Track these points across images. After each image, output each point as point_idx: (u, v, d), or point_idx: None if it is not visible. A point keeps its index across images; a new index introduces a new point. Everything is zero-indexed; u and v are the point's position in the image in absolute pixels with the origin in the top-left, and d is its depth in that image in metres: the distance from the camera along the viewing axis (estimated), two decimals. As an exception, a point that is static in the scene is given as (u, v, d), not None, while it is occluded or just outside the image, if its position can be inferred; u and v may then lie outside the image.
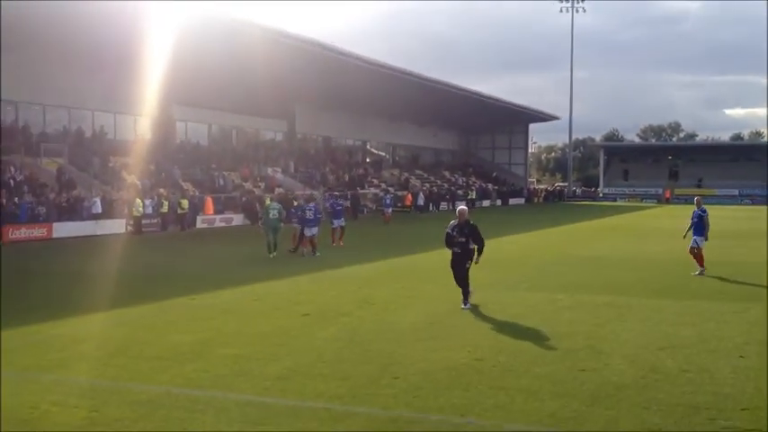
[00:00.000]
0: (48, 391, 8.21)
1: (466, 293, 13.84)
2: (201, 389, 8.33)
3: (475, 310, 13.63)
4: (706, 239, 19.06)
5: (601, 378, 8.81)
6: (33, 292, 16.25)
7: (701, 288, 16.48)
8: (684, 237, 19.60)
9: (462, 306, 13.66)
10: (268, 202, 31.75)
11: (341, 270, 19.85)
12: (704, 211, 19.27)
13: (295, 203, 28.16)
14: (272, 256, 22.94)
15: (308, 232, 23.32)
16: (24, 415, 7.32)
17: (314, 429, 6.96)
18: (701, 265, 18.78)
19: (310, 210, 23.54)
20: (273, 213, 23.70)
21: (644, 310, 13.54)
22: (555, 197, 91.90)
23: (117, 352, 10.10)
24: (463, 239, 13.89)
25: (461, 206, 14.86)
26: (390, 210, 44.89)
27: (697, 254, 18.94)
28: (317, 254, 23.12)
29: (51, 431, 6.91)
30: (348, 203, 46.02)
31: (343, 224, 27.10)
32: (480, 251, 13.97)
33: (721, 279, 17.90)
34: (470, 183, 78.78)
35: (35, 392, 8.11)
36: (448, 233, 14.16)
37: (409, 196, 58.97)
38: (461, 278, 13.92)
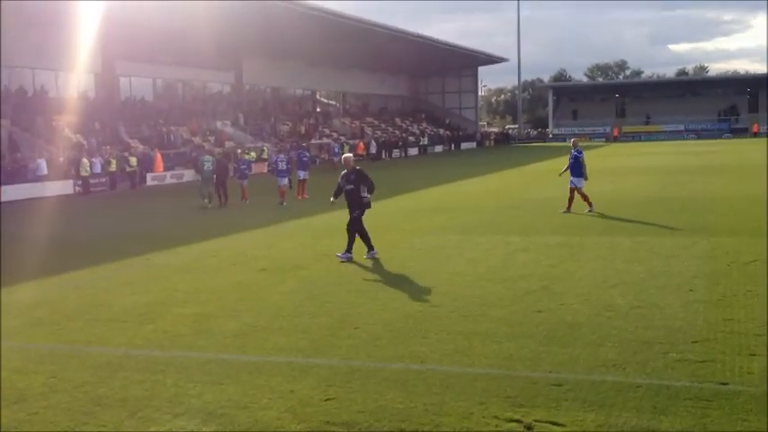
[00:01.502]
0: (5, 358, 8.10)
1: (367, 241, 13.67)
2: (161, 349, 8.31)
3: (430, 255, 13.78)
4: (585, 179, 19.61)
5: (556, 318, 9.01)
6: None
7: (652, 224, 16.83)
8: (560, 175, 20.79)
9: (366, 255, 13.54)
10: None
11: (296, 222, 19.83)
12: (580, 152, 19.71)
13: (246, 156, 29.37)
14: (209, 205, 24.97)
15: (279, 182, 25.01)
16: (-18, 384, 7.22)
17: (276, 384, 7.00)
18: (589, 203, 19.32)
19: (282, 161, 25.75)
20: (208, 166, 25.83)
21: (597, 249, 13.82)
22: (503, 140, 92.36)
23: (73, 316, 9.99)
24: (351, 187, 13.75)
25: (347, 154, 14.90)
26: (338, 158, 46.14)
27: (580, 194, 19.50)
28: (285, 203, 24.27)
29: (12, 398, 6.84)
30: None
31: (307, 176, 27.26)
32: (370, 191, 13.84)
33: (671, 213, 18.32)
34: (422, 128, 78.73)
35: (-9, 361, 8.01)
36: (338, 183, 14.05)
37: (361, 144, 58.79)
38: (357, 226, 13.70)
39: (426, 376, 7.09)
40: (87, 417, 6.32)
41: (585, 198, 19.43)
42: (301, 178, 26.81)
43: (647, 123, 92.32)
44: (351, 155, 14.75)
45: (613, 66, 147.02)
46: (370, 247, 13.68)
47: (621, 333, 8.25)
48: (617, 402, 6.28)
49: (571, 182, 19.53)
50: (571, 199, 19.50)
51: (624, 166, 39.77)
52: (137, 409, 6.46)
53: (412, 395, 6.60)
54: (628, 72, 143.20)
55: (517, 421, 5.98)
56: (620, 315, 9.02)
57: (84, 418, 6.30)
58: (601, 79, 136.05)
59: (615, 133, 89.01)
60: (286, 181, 25.14)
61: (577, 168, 19.47)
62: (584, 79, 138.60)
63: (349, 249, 13.60)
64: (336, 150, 49.76)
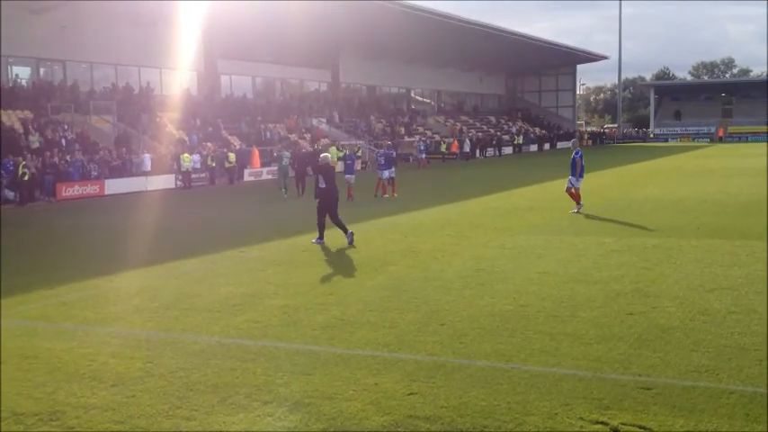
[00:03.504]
0: (105, 343, 8.50)
1: (343, 229, 15.37)
2: (252, 339, 8.54)
3: (520, 254, 13.65)
4: (580, 178, 20.27)
5: (648, 321, 8.78)
6: (89, 248, 16.70)
7: (755, 227, 16.17)
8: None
9: (348, 242, 15.16)
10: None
11: (386, 219, 19.95)
12: (577, 153, 20.39)
13: (347, 152, 31.20)
14: (285, 195, 27.81)
15: (381, 175, 26.44)
16: (82, 368, 7.59)
17: (362, 376, 7.09)
18: (578, 203, 19.95)
19: (381, 156, 27.32)
20: (285, 161, 29.34)
21: (694, 252, 13.38)
22: (600, 140, 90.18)
23: (170, 304, 10.37)
24: (323, 185, 15.64)
25: (324, 153, 17.09)
26: (424, 155, 47.97)
27: (573, 193, 20.01)
28: (387, 195, 25.49)
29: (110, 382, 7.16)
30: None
31: (394, 174, 27.45)
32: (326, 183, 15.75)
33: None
34: (518, 127, 77.83)
35: (93, 345, 8.41)
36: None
37: (455, 143, 58.64)
38: (335, 221, 15.49)
39: (511, 375, 7.04)
40: (180, 401, 6.56)
41: (577, 197, 20.07)
42: (386, 177, 26.85)
43: (754, 124, 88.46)
44: (326, 155, 17.15)
45: (719, 64, 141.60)
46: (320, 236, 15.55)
47: (716, 338, 7.98)
48: (708, 408, 6.09)
49: (569, 181, 20.24)
50: (576, 196, 20.12)
51: (728, 167, 38.29)
52: (227, 396, 6.67)
53: (496, 393, 6.57)
54: (735, 71, 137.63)
55: (603, 423, 5.87)
56: (715, 320, 8.72)
57: (177, 402, 6.54)
58: (706, 77, 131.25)
59: (720, 133, 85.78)
60: (386, 174, 26.08)
61: (574, 168, 20.16)
62: (688, 77, 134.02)
63: (347, 233, 15.39)
64: (422, 149, 50.58)
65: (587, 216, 19.17)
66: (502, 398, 6.45)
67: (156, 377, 7.22)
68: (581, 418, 5.98)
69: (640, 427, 5.81)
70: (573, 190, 20.14)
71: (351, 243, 15.10)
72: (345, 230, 15.37)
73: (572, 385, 6.73)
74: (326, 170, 15.75)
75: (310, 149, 38.02)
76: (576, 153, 20.38)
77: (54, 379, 7.25)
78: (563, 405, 6.25)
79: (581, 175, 20.22)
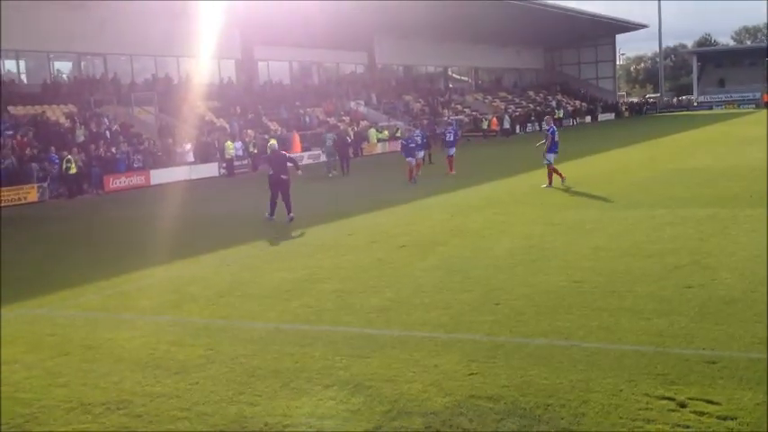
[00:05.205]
0: (164, 331, 8.63)
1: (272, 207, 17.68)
2: (309, 324, 8.59)
3: (570, 230, 13.51)
4: (555, 154, 20.72)
5: (708, 293, 8.63)
6: (141, 238, 16.93)
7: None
8: (537, 146, 21.84)
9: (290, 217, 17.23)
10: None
11: (430, 200, 19.88)
12: (548, 129, 21.17)
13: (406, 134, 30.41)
14: (330, 175, 29.67)
15: (448, 152, 27.00)
16: (144, 356, 7.71)
17: (420, 358, 7.10)
18: (550, 180, 20.28)
19: (450, 133, 27.86)
20: (329, 142, 31.22)
21: (750, 222, 13.09)
22: (642, 110, 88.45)
23: (224, 292, 10.48)
24: (270, 172, 17.83)
25: (271, 142, 19.64)
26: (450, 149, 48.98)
27: (549, 168, 20.43)
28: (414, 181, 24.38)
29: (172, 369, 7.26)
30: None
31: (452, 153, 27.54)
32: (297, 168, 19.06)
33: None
34: (557, 101, 76.85)
35: (153, 334, 8.54)
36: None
37: (494, 120, 58.12)
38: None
39: (571, 352, 6.99)
40: (243, 387, 6.64)
41: (551, 173, 20.32)
42: (419, 157, 26.53)
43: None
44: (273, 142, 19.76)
45: (763, 28, 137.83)
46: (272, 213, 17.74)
47: (781, 309, 7.81)
48: (777, 381, 5.97)
49: (545, 157, 20.64)
50: (549, 172, 20.41)
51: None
52: (289, 380, 6.72)
53: (557, 371, 6.52)
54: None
55: (669, 399, 5.80)
56: (778, 290, 8.53)
57: (240, 388, 6.62)
58: (749, 42, 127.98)
59: (766, 99, 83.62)
60: (419, 155, 25.91)
61: (549, 144, 20.62)
62: (731, 43, 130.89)
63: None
64: (451, 138, 49.92)
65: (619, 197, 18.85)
66: (564, 376, 6.40)
67: (217, 364, 7.31)
68: (646, 394, 5.91)
69: (708, 401, 5.72)
70: (551, 167, 20.46)
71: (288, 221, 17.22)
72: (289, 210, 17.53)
73: (634, 361, 6.65)
74: (273, 158, 18.27)
75: (350, 132, 38.47)
76: (549, 129, 21.15)
77: (118, 368, 7.38)
78: (627, 381, 6.18)
79: (552, 150, 20.62)
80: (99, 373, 7.28)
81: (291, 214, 17.37)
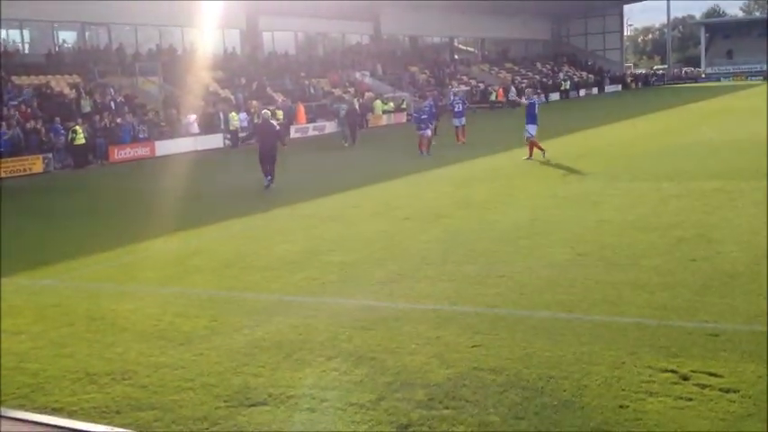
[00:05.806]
0: (169, 303, 8.66)
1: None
2: (312, 295, 8.61)
3: (574, 202, 13.48)
4: (535, 126, 20.64)
5: (712, 267, 8.62)
6: (145, 209, 16.95)
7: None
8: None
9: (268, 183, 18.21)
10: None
11: (435, 171, 19.84)
12: (533, 102, 21.47)
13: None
14: (345, 145, 30.27)
15: (459, 122, 27.34)
16: (149, 327, 7.74)
17: (423, 330, 7.11)
18: (530, 154, 20.44)
19: (458, 103, 27.96)
20: (342, 112, 32.50)
21: (756, 194, 13.02)
22: (646, 81, 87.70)
23: (228, 263, 10.50)
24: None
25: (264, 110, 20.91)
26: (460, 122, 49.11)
27: (529, 141, 20.60)
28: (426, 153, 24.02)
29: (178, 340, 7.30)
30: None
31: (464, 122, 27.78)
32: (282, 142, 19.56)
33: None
34: (564, 72, 76.27)
35: (157, 305, 8.57)
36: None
37: (501, 90, 57.78)
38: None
39: (574, 325, 6.99)
40: (247, 358, 6.66)
41: (531, 146, 20.44)
42: (459, 125, 27.34)
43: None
44: (266, 111, 21.07)
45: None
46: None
47: (785, 283, 7.79)
48: (780, 354, 5.97)
49: (525, 129, 20.72)
50: (530, 145, 20.52)
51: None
52: (292, 352, 6.75)
53: (560, 344, 6.53)
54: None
55: (672, 371, 5.80)
56: (783, 264, 8.50)
57: (244, 359, 6.65)
58: (758, 14, 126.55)
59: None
60: (428, 132, 24.64)
61: (528, 116, 20.69)
62: (740, 14, 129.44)
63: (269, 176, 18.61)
64: (460, 108, 49.63)
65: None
66: (567, 348, 6.41)
67: (221, 335, 7.34)
68: (649, 367, 5.92)
69: (710, 373, 5.73)
70: (532, 139, 20.55)
71: (267, 186, 18.33)
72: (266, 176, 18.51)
73: (637, 334, 6.65)
74: (262, 129, 19.44)
75: (356, 104, 38.35)
76: (531, 102, 21.43)
77: (123, 339, 7.41)
78: (630, 354, 6.19)
79: (530, 123, 20.62)
80: (104, 344, 7.31)
81: (272, 181, 18.44)
